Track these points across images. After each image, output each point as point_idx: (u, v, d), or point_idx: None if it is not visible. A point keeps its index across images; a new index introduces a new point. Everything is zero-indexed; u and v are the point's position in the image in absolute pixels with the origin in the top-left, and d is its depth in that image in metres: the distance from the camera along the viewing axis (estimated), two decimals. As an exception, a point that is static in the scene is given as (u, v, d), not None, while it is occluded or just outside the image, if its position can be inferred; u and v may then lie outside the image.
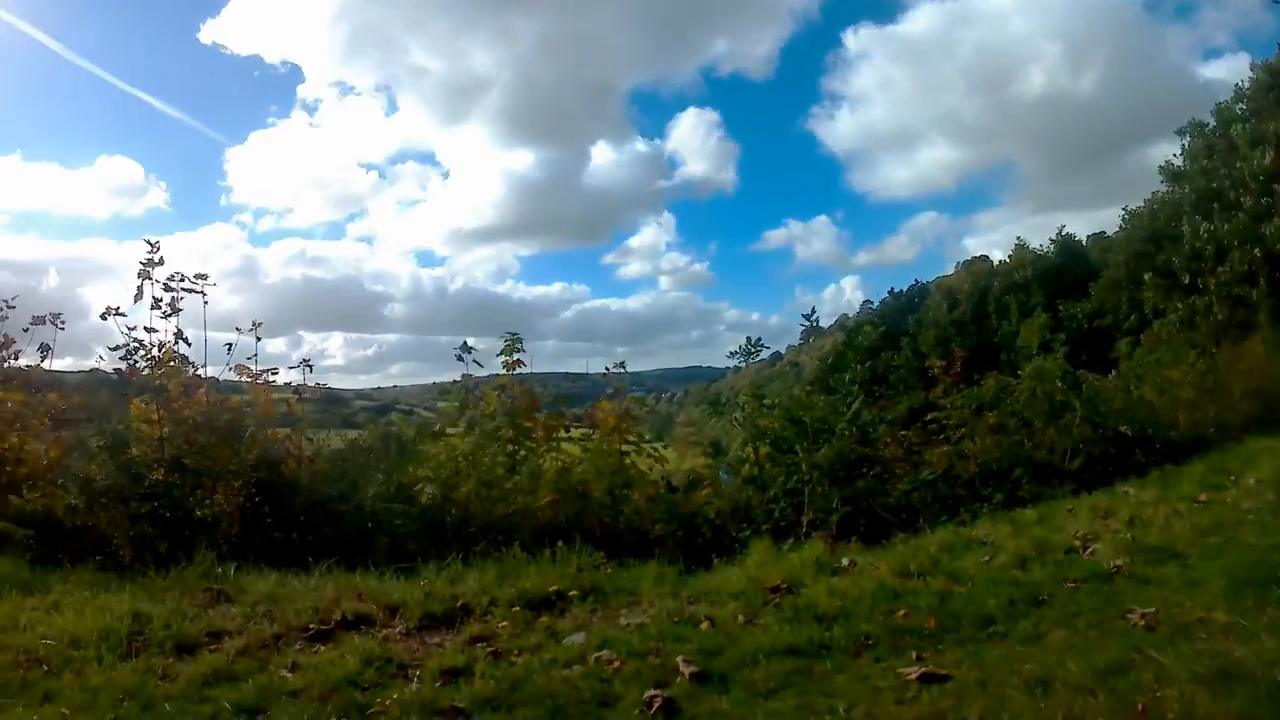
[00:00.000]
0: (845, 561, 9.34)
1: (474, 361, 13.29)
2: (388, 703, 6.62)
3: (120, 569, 10.33)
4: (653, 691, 6.41)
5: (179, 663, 7.48)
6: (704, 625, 7.80)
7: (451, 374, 13.51)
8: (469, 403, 13.04)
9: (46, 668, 7.32)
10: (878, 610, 7.61)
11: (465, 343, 13.24)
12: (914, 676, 6.18)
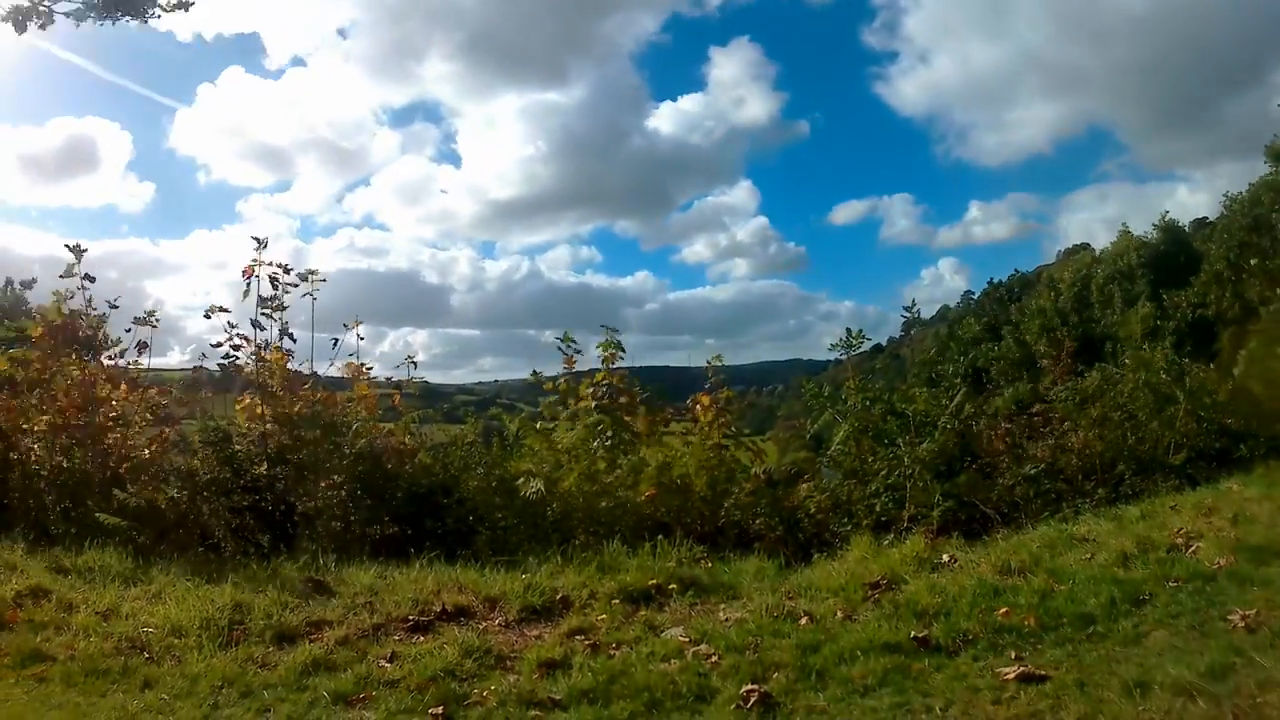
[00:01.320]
0: (946, 557, 9.28)
1: (576, 353, 13.36)
2: (485, 693, 6.76)
3: (222, 560, 10.57)
4: (750, 686, 6.45)
5: (279, 652, 7.69)
6: (803, 621, 7.81)
7: (545, 367, 13.57)
8: (567, 397, 13.08)
9: (147, 655, 7.58)
10: (978, 608, 7.56)
11: (566, 334, 13.33)
12: (1012, 676, 6.17)
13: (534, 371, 13.78)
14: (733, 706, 6.29)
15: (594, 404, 12.65)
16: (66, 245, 12.95)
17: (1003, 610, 7.41)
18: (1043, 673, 6.18)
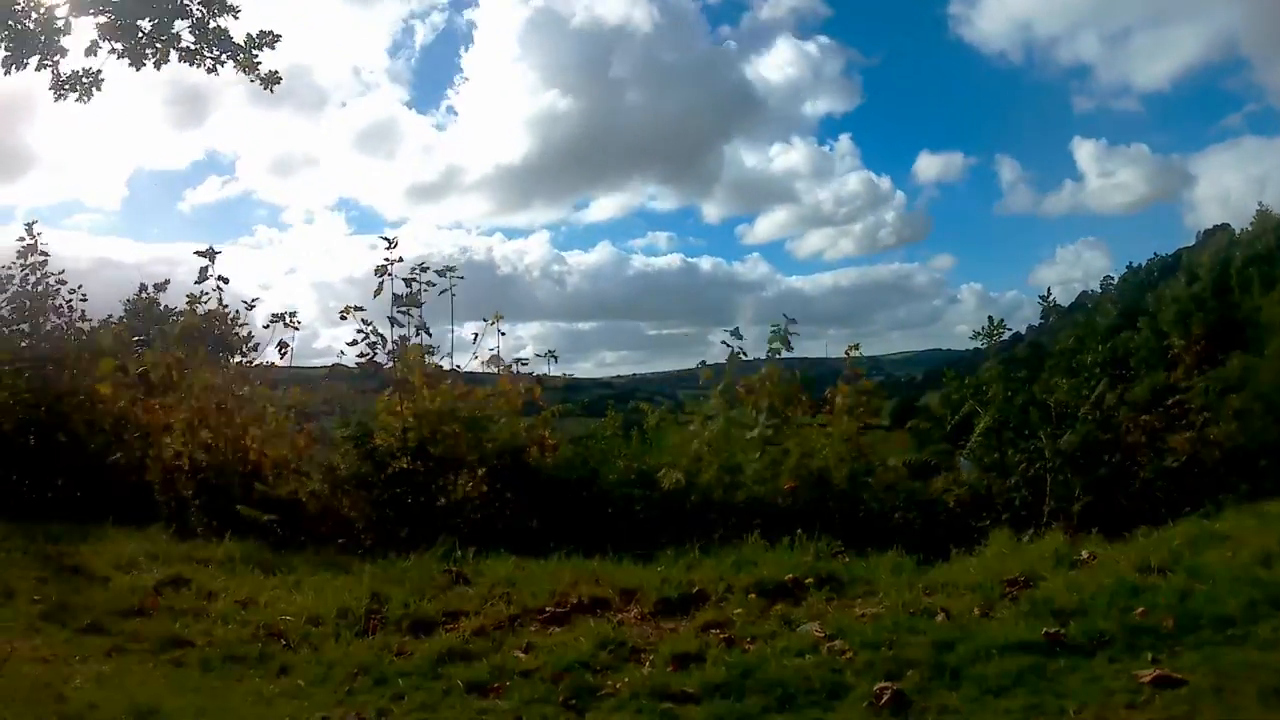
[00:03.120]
0: (1085, 554, 9.17)
1: (742, 351, 13.41)
2: (618, 685, 6.82)
3: (361, 552, 10.82)
4: (883, 684, 6.44)
5: (415, 641, 7.85)
6: (939, 617, 7.78)
7: (668, 362, 13.65)
8: (729, 389, 13.01)
9: (285, 642, 7.82)
10: (1115, 607, 7.46)
11: (735, 331, 13.45)
12: (1148, 679, 6.10)
13: (701, 362, 13.96)
14: (865, 704, 6.29)
15: (756, 398, 12.68)
16: (197, 252, 13.61)
17: (1140, 610, 7.32)
18: (1179, 676, 6.10)
